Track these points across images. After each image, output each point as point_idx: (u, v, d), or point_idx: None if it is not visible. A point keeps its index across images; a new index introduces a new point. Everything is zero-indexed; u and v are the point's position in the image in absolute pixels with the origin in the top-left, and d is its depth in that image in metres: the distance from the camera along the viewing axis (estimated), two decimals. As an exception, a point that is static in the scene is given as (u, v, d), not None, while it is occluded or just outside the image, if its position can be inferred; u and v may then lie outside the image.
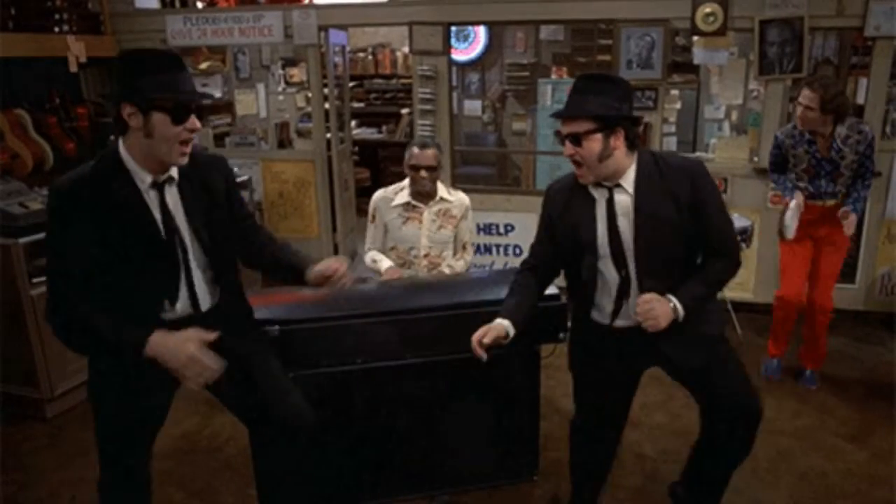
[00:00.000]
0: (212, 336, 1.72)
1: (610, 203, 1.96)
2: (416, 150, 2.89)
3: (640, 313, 1.89)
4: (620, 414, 2.28)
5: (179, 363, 1.66)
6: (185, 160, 1.75)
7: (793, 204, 3.15)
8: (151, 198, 1.75)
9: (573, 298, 2.16)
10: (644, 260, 1.95)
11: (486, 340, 1.98)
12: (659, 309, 1.88)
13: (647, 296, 1.91)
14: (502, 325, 2.03)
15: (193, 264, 1.83)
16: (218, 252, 1.87)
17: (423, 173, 2.86)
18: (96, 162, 1.76)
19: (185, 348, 1.66)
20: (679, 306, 1.90)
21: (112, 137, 1.79)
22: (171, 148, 1.70)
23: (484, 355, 1.99)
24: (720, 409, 2.06)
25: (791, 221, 3.14)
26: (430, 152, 2.88)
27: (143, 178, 1.74)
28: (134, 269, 1.75)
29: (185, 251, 1.80)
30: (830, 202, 3.20)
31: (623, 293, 1.99)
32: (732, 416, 2.04)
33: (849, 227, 3.13)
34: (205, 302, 1.87)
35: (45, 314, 1.71)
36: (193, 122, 1.71)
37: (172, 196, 1.79)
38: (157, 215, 1.76)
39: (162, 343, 1.67)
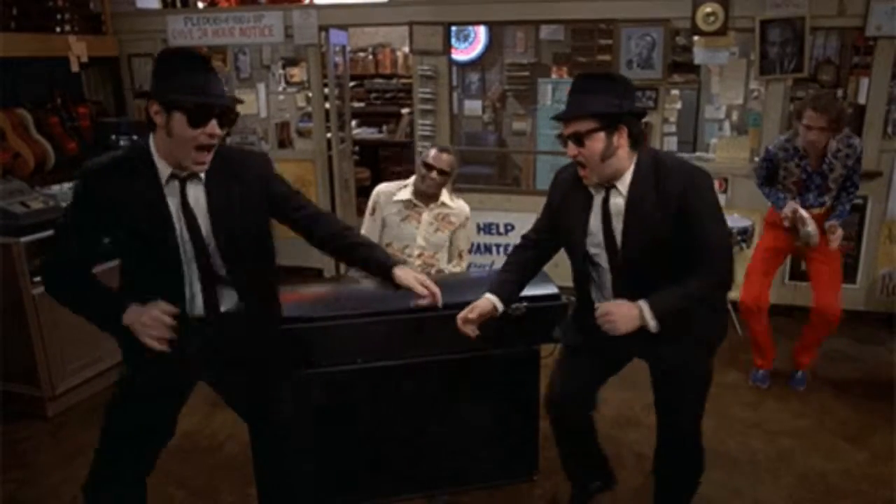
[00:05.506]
0: (174, 309, 1.73)
1: (605, 204, 1.95)
2: (434, 151, 2.92)
3: (598, 315, 1.87)
4: (587, 391, 2.25)
5: (141, 320, 1.69)
6: (201, 168, 1.73)
7: (801, 212, 3.12)
8: (171, 192, 1.74)
9: (575, 284, 2.15)
10: (631, 262, 1.94)
11: (472, 316, 2.00)
12: (617, 313, 1.84)
13: (609, 302, 1.90)
14: (489, 300, 2.04)
15: (216, 264, 1.80)
16: (237, 253, 1.81)
17: (434, 174, 2.88)
18: (126, 150, 1.79)
19: (149, 310, 1.70)
20: (648, 315, 1.82)
21: (114, 137, 1.80)
22: (187, 152, 1.68)
23: (473, 332, 2.00)
24: (665, 443, 2.20)
25: (811, 227, 3.10)
26: (447, 157, 2.90)
27: (165, 172, 1.74)
28: (146, 262, 1.75)
29: (202, 249, 1.77)
30: (817, 211, 3.22)
31: (617, 288, 1.99)
32: (675, 451, 2.19)
33: (836, 240, 3.14)
34: (225, 304, 1.84)
35: (39, 272, 1.77)
36: (213, 127, 1.68)
37: (195, 192, 1.77)
38: (174, 210, 1.74)
39: (134, 310, 1.72)
